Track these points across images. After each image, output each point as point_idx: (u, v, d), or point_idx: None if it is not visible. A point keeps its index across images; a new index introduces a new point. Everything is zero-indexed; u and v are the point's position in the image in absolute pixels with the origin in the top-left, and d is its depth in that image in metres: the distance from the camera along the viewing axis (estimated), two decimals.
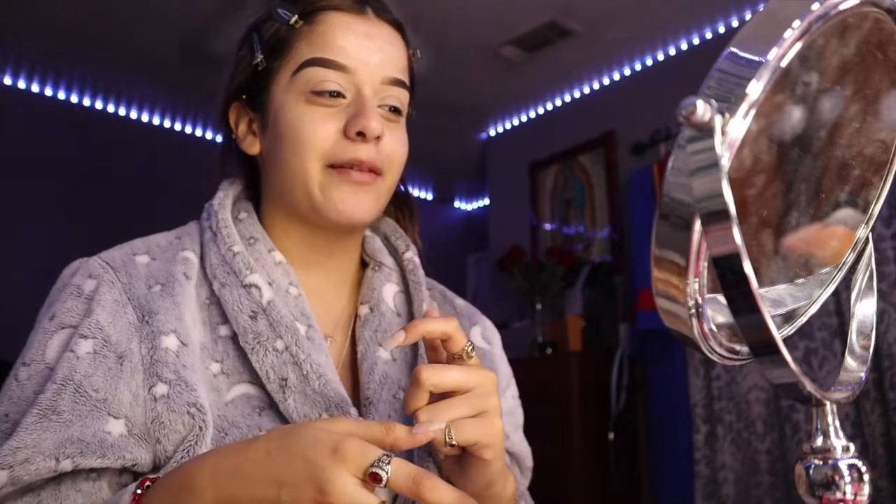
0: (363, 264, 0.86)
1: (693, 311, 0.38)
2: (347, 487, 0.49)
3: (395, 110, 0.78)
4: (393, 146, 0.76)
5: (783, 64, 0.36)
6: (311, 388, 0.68)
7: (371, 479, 0.50)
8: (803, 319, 0.49)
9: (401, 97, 0.78)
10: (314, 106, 0.74)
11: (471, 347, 0.63)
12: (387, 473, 0.50)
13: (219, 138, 0.87)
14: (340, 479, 0.49)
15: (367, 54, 0.75)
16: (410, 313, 0.83)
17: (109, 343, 0.66)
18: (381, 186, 0.77)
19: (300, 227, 0.79)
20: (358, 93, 0.75)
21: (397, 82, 0.77)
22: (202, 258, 0.76)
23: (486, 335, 0.89)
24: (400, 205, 0.91)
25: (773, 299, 0.47)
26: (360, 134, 0.73)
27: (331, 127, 0.73)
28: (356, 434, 0.53)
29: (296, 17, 0.76)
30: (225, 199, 0.80)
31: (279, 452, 0.52)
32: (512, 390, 0.88)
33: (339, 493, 0.49)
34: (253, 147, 0.80)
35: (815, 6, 0.37)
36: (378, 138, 0.74)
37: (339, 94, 0.74)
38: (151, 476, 0.58)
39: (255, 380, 0.70)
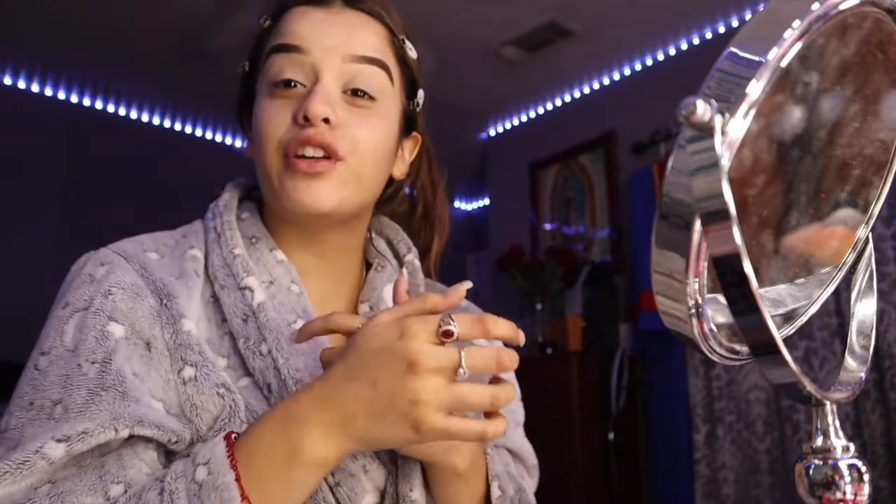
0: (367, 266, 0.87)
1: (693, 311, 0.38)
2: (430, 349, 0.55)
3: (363, 94, 0.74)
4: (355, 131, 0.73)
5: (783, 64, 0.36)
6: (289, 393, 0.67)
7: (444, 336, 0.55)
8: (803, 319, 0.50)
9: (373, 77, 0.74)
10: (274, 99, 0.74)
11: None
12: (455, 326, 0.55)
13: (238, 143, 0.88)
14: (421, 345, 0.55)
15: (324, 37, 0.73)
16: None
17: (135, 329, 0.66)
18: (344, 172, 0.72)
19: (290, 226, 0.79)
20: (315, 79, 0.72)
21: (365, 59, 0.73)
22: (206, 257, 0.76)
23: None
24: (430, 222, 0.91)
25: (773, 299, 0.47)
26: (306, 119, 0.70)
27: (285, 116, 0.72)
28: (399, 315, 0.58)
29: (267, 19, 0.79)
30: (231, 201, 0.80)
31: (356, 365, 0.57)
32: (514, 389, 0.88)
33: (425, 358, 0.54)
34: (249, 150, 0.81)
35: (815, 6, 0.37)
36: (327, 122, 0.70)
37: (295, 85, 0.73)
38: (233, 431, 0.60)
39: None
